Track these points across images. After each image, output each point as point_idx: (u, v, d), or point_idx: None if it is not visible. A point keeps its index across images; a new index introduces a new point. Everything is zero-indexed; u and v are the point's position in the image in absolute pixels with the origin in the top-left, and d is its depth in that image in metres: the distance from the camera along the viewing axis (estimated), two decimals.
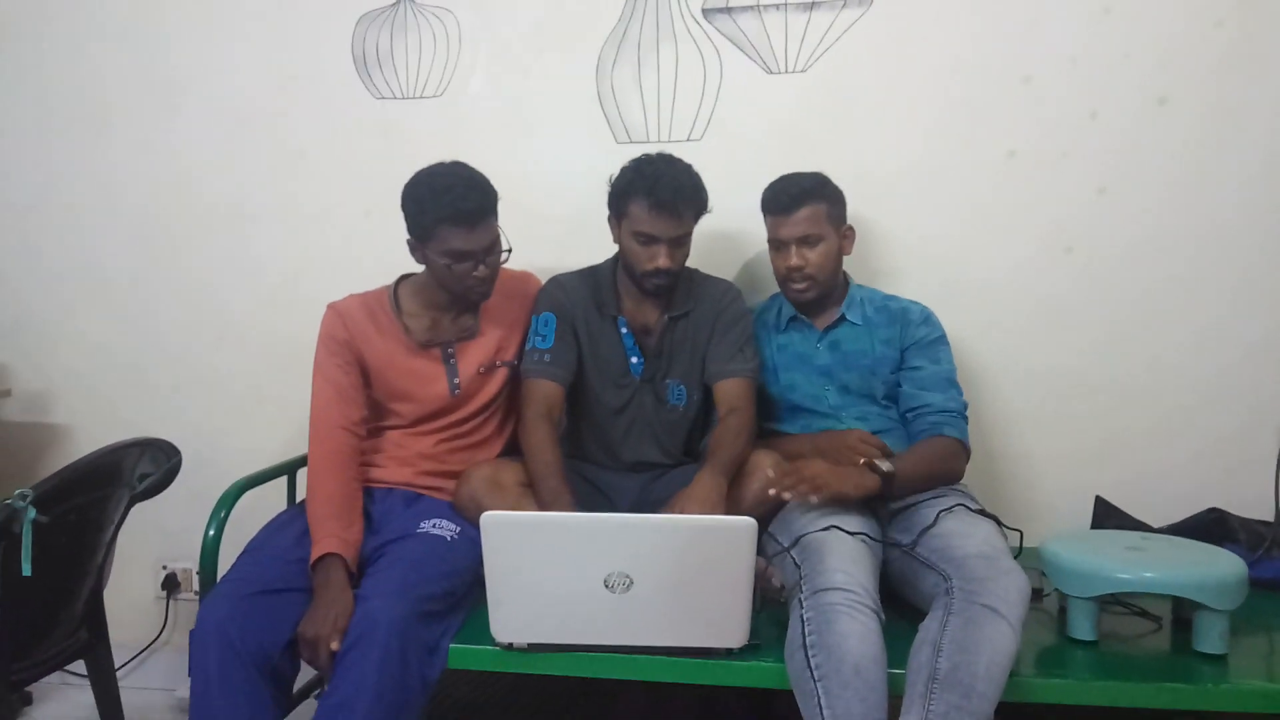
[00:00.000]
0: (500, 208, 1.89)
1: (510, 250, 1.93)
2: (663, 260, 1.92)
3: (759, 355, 2.05)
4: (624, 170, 1.96)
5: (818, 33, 2.24)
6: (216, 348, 2.53)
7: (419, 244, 1.88)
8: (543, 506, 1.79)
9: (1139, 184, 2.17)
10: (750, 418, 1.95)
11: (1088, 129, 2.17)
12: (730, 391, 1.97)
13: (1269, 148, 2.12)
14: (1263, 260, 2.14)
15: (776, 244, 2.01)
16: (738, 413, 1.94)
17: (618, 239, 2.01)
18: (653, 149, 1.99)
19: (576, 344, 2.02)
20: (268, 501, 2.01)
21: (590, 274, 2.09)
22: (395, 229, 1.92)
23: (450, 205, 1.80)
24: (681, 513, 1.71)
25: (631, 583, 1.50)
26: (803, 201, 1.95)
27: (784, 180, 2.00)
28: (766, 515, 1.81)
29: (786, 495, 1.70)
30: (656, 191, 1.87)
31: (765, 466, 1.83)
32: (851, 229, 2.05)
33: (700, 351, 2.04)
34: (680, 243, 1.94)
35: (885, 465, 1.76)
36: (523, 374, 2.00)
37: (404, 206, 1.87)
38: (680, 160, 1.95)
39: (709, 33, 2.29)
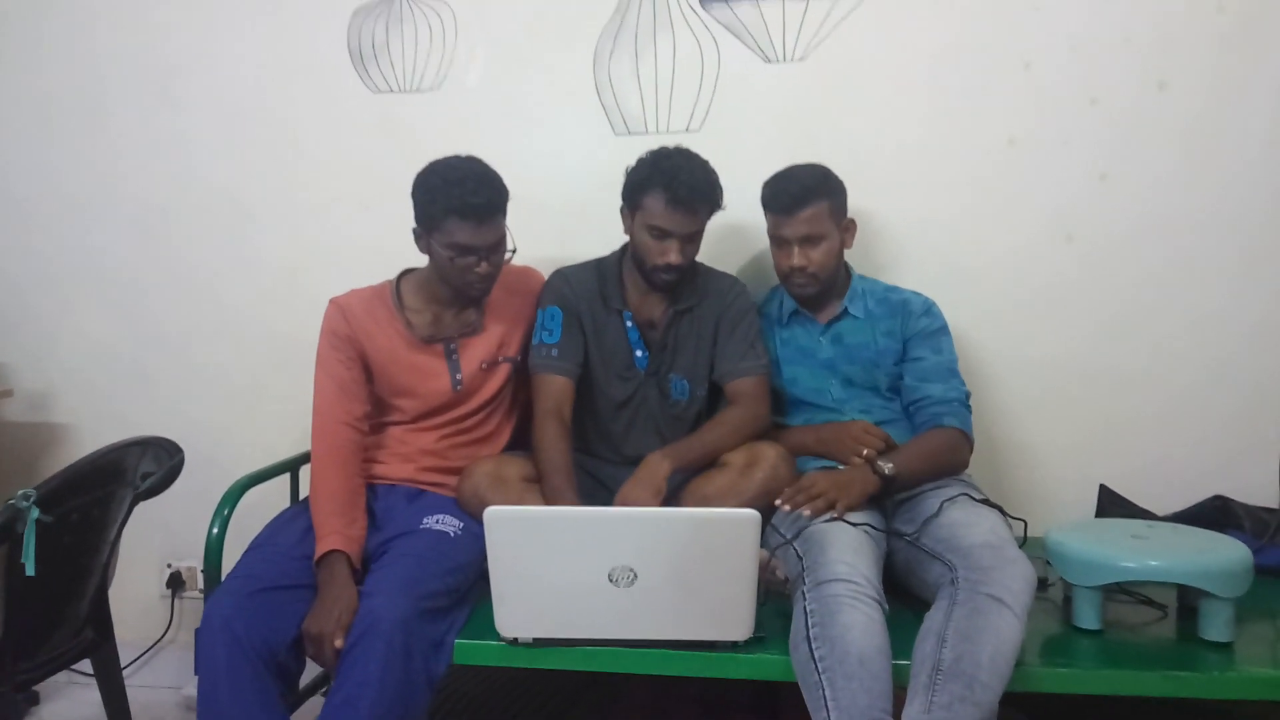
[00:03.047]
0: None
1: (515, 251, 1.92)
2: (674, 256, 1.90)
3: (768, 351, 2.04)
4: (641, 162, 1.94)
5: (815, 21, 2.23)
6: (217, 344, 2.52)
7: (424, 233, 1.87)
8: (546, 504, 1.80)
9: (1139, 170, 2.16)
10: (755, 415, 1.96)
11: (1088, 115, 2.16)
12: (741, 391, 1.98)
13: (1269, 132, 2.11)
14: (1264, 245, 2.13)
15: (778, 241, 1.99)
16: (737, 408, 1.95)
17: (629, 230, 1.99)
18: (651, 140, 1.97)
19: (583, 337, 2.01)
20: (271, 499, 2.01)
21: (596, 266, 2.08)
22: (394, 223, 1.91)
23: (460, 198, 1.79)
24: (622, 503, 1.73)
25: (635, 576, 1.50)
26: (806, 201, 1.92)
27: (785, 178, 1.97)
28: (770, 507, 1.81)
29: (806, 512, 1.69)
30: (674, 187, 1.86)
31: (770, 459, 1.83)
32: (853, 222, 2.03)
33: (705, 346, 2.03)
34: (692, 239, 1.93)
35: (887, 468, 1.76)
36: (531, 369, 1.99)
37: (414, 194, 1.86)
38: (697, 155, 1.93)
39: (706, 22, 2.28)
